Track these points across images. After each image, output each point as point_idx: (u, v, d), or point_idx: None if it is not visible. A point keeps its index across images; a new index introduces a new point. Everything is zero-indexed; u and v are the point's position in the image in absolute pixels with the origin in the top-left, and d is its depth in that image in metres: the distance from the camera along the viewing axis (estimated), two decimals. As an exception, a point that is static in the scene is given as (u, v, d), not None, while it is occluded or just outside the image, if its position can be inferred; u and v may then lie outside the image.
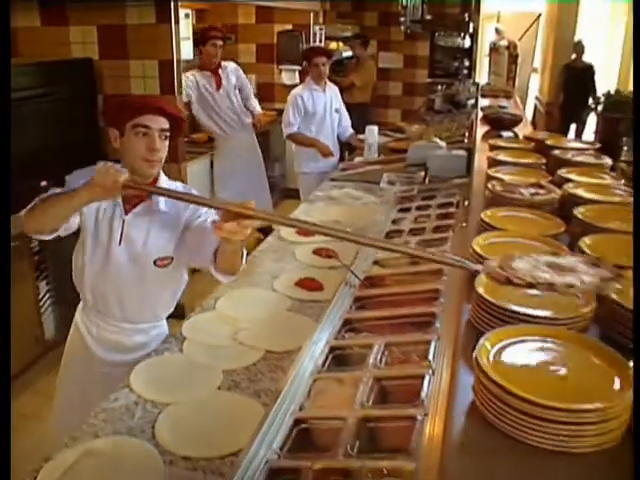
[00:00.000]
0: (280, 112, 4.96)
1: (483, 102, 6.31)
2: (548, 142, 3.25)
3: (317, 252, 2.68)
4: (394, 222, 2.79)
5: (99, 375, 2.05)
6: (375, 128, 4.59)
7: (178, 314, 2.29)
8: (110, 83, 3.82)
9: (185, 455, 1.45)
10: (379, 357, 1.60)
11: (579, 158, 2.92)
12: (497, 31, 10.72)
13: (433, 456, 1.12)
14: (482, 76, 10.82)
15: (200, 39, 4.88)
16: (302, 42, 6.39)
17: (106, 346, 2.09)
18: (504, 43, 10.65)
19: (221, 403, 1.68)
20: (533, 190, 2.36)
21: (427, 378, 1.44)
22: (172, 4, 3.55)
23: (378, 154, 4.54)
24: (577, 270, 1.27)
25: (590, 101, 7.88)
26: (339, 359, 1.69)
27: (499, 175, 2.55)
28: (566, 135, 8.49)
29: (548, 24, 9.97)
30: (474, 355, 1.16)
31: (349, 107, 5.29)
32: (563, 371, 1.16)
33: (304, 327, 1.97)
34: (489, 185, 2.39)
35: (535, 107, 10.38)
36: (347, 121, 5.05)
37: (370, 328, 1.84)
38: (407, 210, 2.94)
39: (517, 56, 10.85)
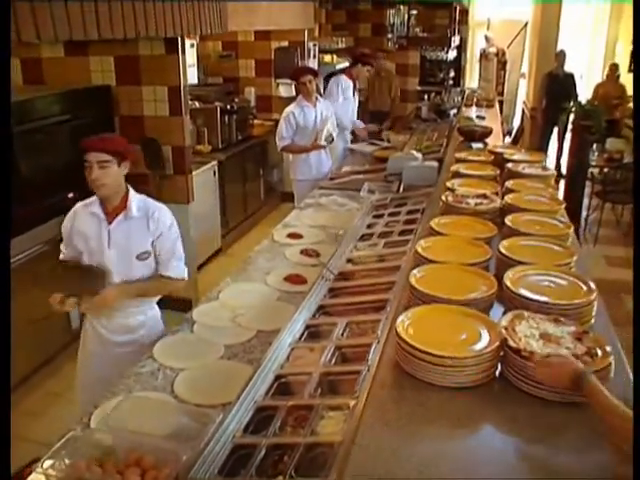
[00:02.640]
0: (277, 122, 5.34)
1: (466, 111, 6.81)
2: (505, 155, 3.77)
3: (303, 252, 3.22)
4: (368, 226, 3.30)
5: (112, 356, 2.56)
6: (329, 122, 5.14)
7: (185, 307, 2.81)
8: (125, 106, 4.31)
9: (196, 403, 1.97)
10: (341, 332, 2.12)
11: (528, 170, 3.43)
12: (486, 38, 11.19)
13: (364, 392, 1.64)
14: (473, 81, 11.33)
15: None
16: (297, 57, 6.86)
17: (115, 329, 2.61)
18: (493, 50, 11.13)
19: (222, 368, 2.21)
20: (478, 200, 2.86)
21: (373, 346, 1.96)
22: (179, 37, 4.05)
23: (363, 164, 5.08)
24: (561, 343, 1.56)
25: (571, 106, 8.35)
26: (312, 334, 2.21)
27: (453, 187, 3.05)
28: (549, 137, 8.99)
29: (532, 32, 10.44)
30: (395, 325, 1.69)
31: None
32: (455, 332, 1.68)
33: (289, 313, 2.48)
34: (442, 197, 2.90)
35: (523, 111, 10.88)
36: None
37: (339, 312, 2.37)
38: (381, 216, 3.44)
39: (505, 62, 11.33)
